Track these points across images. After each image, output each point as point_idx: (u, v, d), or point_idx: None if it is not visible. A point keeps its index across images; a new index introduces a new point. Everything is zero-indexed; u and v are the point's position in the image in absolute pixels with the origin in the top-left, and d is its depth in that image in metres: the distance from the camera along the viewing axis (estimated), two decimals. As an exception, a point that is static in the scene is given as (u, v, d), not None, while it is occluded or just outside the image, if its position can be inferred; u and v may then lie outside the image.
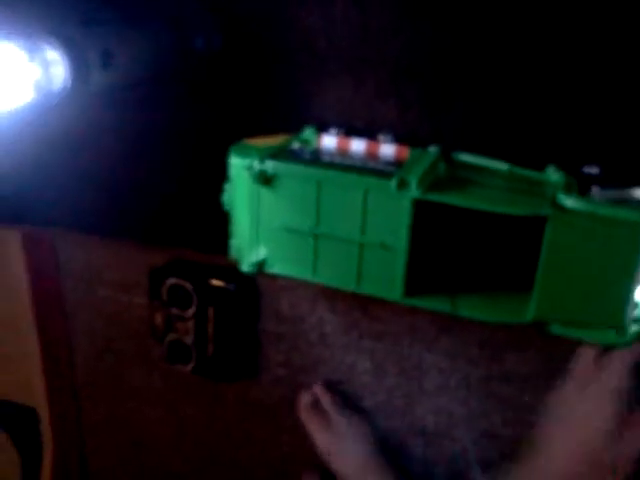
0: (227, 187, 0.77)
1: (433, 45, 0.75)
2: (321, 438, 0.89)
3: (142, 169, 0.91)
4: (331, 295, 0.87)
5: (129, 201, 0.94)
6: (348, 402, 0.91)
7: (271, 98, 0.83)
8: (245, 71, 0.83)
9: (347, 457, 0.87)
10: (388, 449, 0.89)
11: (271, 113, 0.84)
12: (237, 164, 0.74)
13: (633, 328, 0.68)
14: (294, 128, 0.81)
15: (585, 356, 0.75)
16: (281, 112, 0.84)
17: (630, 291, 0.66)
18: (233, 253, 0.78)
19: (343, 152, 0.76)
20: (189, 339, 0.93)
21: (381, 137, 0.77)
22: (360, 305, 0.87)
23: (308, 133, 0.79)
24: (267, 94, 0.83)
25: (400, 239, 0.69)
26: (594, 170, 0.70)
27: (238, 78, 0.84)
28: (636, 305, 0.68)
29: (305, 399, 0.91)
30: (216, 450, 1.02)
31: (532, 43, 0.71)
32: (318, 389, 0.91)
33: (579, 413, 0.72)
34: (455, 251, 0.76)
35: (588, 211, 0.64)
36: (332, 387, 0.91)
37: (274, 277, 0.77)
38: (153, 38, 0.78)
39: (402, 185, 0.67)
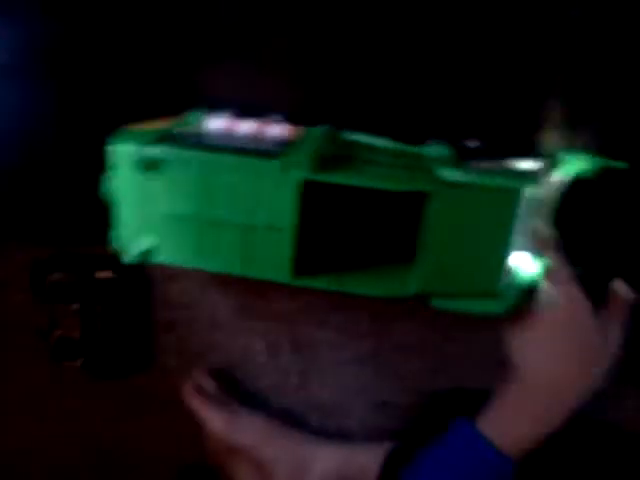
0: (108, 176, 0.75)
1: (319, 25, 0.76)
2: (213, 419, 0.88)
3: (15, 160, 0.87)
4: (223, 279, 0.86)
5: (6, 196, 0.89)
6: (241, 385, 0.92)
7: (158, 81, 0.82)
8: (130, 55, 0.81)
9: (247, 428, 0.88)
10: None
11: (157, 97, 0.82)
12: (119, 151, 0.72)
13: (512, 294, 0.73)
14: (181, 111, 0.80)
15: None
16: (168, 95, 0.82)
17: (504, 258, 0.70)
18: (116, 244, 0.77)
19: (231, 134, 0.76)
20: (76, 334, 0.90)
21: (271, 117, 0.77)
22: (252, 287, 0.87)
23: (194, 116, 0.79)
24: (154, 77, 0.82)
25: (287, 220, 0.70)
26: (474, 144, 0.74)
27: (123, 63, 0.82)
28: (511, 271, 0.72)
29: (188, 387, 0.90)
30: (110, 443, 1.00)
31: (412, 21, 0.73)
32: (200, 374, 0.91)
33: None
34: (342, 229, 0.78)
35: (466, 182, 0.68)
36: (226, 371, 0.91)
37: (163, 264, 0.76)
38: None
39: (287, 166, 0.68)
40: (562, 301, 0.66)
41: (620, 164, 0.70)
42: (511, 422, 0.68)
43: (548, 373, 0.67)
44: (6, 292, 0.96)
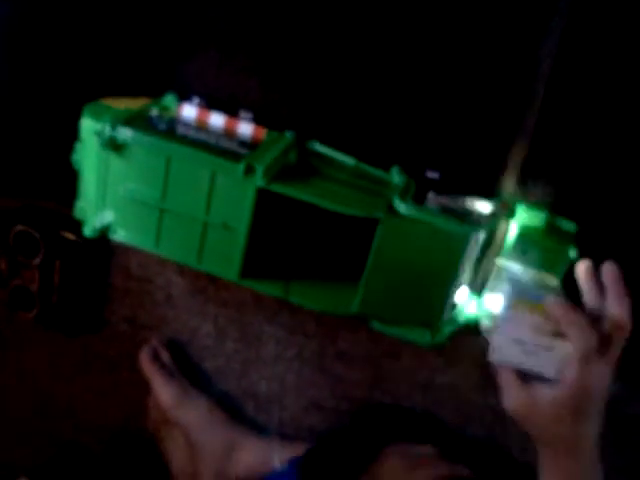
0: (77, 147, 0.76)
1: (302, 33, 0.76)
2: (164, 390, 0.90)
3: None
4: (179, 260, 0.88)
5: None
6: (189, 363, 0.94)
7: (138, 59, 0.82)
8: (113, 26, 0.81)
9: (192, 408, 0.90)
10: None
11: (135, 74, 0.82)
12: (88, 126, 0.73)
13: (447, 328, 0.74)
14: (157, 92, 0.80)
15: None
16: (146, 74, 0.82)
17: (448, 297, 0.71)
18: (78, 214, 0.78)
19: (201, 124, 0.76)
20: (34, 287, 0.92)
21: (241, 114, 0.77)
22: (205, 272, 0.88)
23: (169, 100, 0.79)
24: (135, 54, 0.82)
25: (242, 222, 0.71)
26: (435, 175, 0.74)
27: (106, 32, 0.82)
28: (453, 307, 0.73)
29: (146, 352, 0.93)
30: (55, 397, 1.03)
31: (392, 51, 0.73)
32: (157, 343, 0.93)
33: None
34: (295, 239, 0.79)
35: (418, 218, 0.68)
36: (174, 346, 0.94)
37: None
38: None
39: (249, 171, 0.69)
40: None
41: (568, 224, 0.71)
42: None
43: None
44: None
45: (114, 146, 0.71)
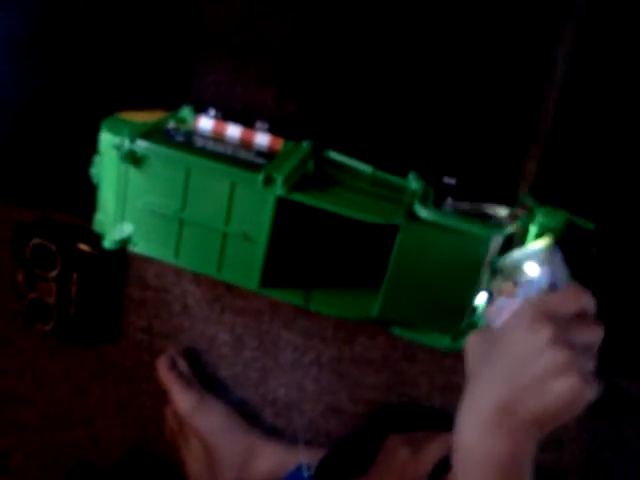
0: (96, 160, 0.76)
1: (316, 42, 0.76)
2: (182, 398, 0.91)
3: (16, 128, 0.89)
4: (196, 270, 0.89)
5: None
6: (206, 371, 0.94)
7: (153, 71, 0.83)
8: (128, 40, 0.82)
9: (210, 416, 0.91)
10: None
11: (151, 87, 0.83)
12: (107, 140, 0.73)
13: (467, 332, 0.75)
14: (173, 104, 0.81)
15: None
16: (161, 87, 0.83)
17: (468, 301, 0.72)
18: (97, 227, 0.78)
19: (218, 136, 0.77)
20: (51, 299, 0.93)
21: (258, 125, 0.78)
22: (224, 281, 0.89)
23: (185, 112, 0.80)
24: (149, 67, 0.82)
25: (262, 232, 0.72)
26: (452, 181, 0.75)
27: (122, 46, 0.82)
28: (473, 311, 0.74)
29: (163, 360, 0.93)
30: (73, 408, 1.04)
31: (406, 58, 0.74)
32: (175, 352, 0.94)
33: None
34: (314, 247, 0.80)
35: (439, 222, 0.69)
36: (191, 356, 0.94)
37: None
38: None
39: (268, 182, 0.69)
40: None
41: (587, 223, 0.72)
42: None
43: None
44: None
45: (133, 159, 0.72)
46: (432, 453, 0.75)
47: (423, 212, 0.69)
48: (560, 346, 0.52)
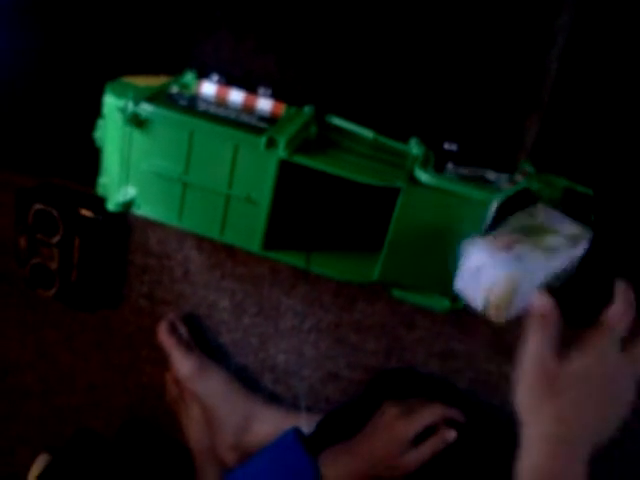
0: (100, 124, 0.77)
1: (317, 7, 0.77)
2: (182, 363, 0.92)
3: (18, 93, 0.89)
4: (198, 236, 0.89)
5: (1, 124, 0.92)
6: (206, 337, 0.95)
7: (156, 37, 0.83)
8: (132, 6, 0.82)
9: (210, 381, 0.92)
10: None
11: (154, 52, 0.83)
12: (111, 103, 0.74)
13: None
14: (176, 69, 0.81)
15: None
16: (164, 52, 0.83)
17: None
18: (101, 190, 0.79)
19: (221, 101, 0.78)
20: (53, 265, 0.93)
21: (260, 90, 0.78)
22: (225, 247, 0.90)
23: (188, 77, 0.80)
24: (152, 32, 0.83)
25: (264, 195, 0.72)
26: (453, 147, 0.76)
27: (126, 11, 0.83)
28: None
29: (164, 325, 0.94)
30: (74, 374, 1.05)
31: (408, 24, 0.75)
32: (175, 318, 0.94)
33: None
34: (316, 209, 0.81)
35: (439, 186, 0.70)
36: (191, 321, 0.95)
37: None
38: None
39: (271, 144, 0.70)
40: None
41: (586, 189, 0.73)
42: None
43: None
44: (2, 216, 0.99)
45: (137, 122, 0.73)
46: (423, 417, 0.77)
47: (424, 176, 0.70)
48: None
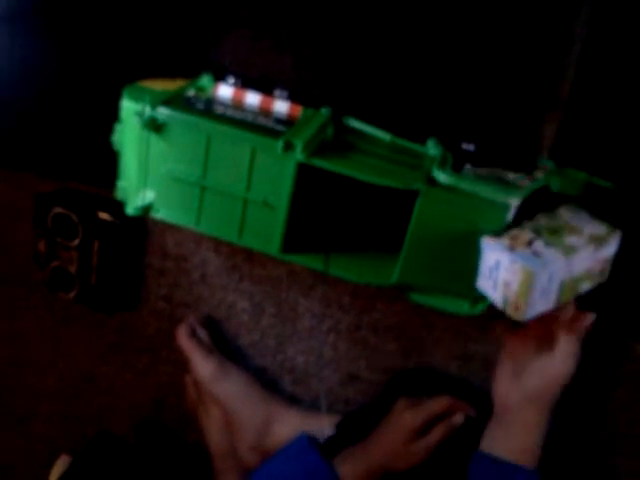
0: (118, 128, 0.77)
1: (334, 8, 0.76)
2: (202, 365, 0.92)
3: (36, 99, 0.89)
4: (216, 239, 0.89)
5: (20, 129, 0.92)
6: (225, 339, 0.96)
7: (172, 39, 0.83)
8: (149, 9, 0.82)
9: (230, 382, 0.92)
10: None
11: (170, 55, 0.84)
12: (128, 107, 0.74)
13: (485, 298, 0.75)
14: (192, 73, 0.81)
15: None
16: (181, 56, 0.83)
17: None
18: (119, 194, 0.79)
19: (237, 103, 0.77)
20: (73, 268, 0.94)
21: (277, 92, 0.78)
22: (243, 249, 0.90)
23: (205, 80, 0.80)
24: (168, 36, 0.83)
25: (282, 198, 0.72)
26: (471, 147, 0.75)
27: (142, 15, 0.83)
28: None
29: (183, 328, 0.94)
30: (94, 376, 1.05)
31: (426, 25, 0.74)
32: (194, 320, 0.95)
33: None
34: (334, 212, 0.81)
35: (458, 187, 0.69)
36: (210, 323, 0.95)
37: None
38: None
39: (288, 147, 0.70)
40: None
41: (606, 183, 0.72)
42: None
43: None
44: (16, 219, 1.00)
45: (154, 126, 0.73)
46: (430, 406, 0.77)
47: (442, 176, 0.69)
48: None
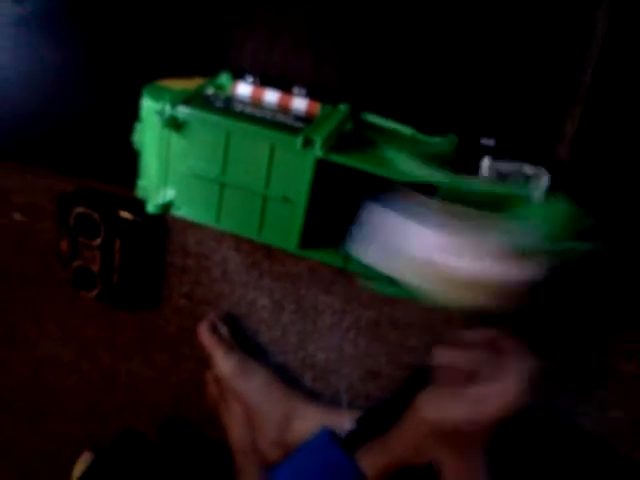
0: (138, 127, 0.78)
1: (352, 4, 0.77)
2: (224, 362, 0.92)
3: (58, 98, 0.90)
4: (236, 236, 0.90)
5: (42, 128, 0.93)
6: (245, 336, 0.96)
7: (190, 39, 0.84)
8: (167, 8, 0.83)
9: (252, 379, 0.93)
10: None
11: (189, 54, 0.84)
12: (149, 107, 0.75)
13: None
14: (210, 71, 0.82)
15: None
16: (199, 54, 0.84)
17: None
18: (140, 192, 0.80)
19: (256, 101, 0.78)
20: (95, 267, 0.95)
21: (295, 90, 0.79)
22: (263, 246, 0.90)
23: (224, 79, 0.81)
24: (187, 35, 0.84)
25: (301, 194, 0.73)
26: (490, 142, 0.75)
27: (161, 14, 0.84)
28: None
29: (205, 325, 0.95)
30: (115, 371, 1.06)
31: (445, 18, 0.74)
32: (216, 317, 0.95)
33: None
34: (353, 209, 0.81)
35: (475, 184, 0.69)
36: (231, 321, 0.96)
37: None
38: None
39: (307, 143, 0.70)
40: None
41: (587, 220, 0.69)
42: None
43: None
44: (38, 219, 1.01)
45: (175, 125, 0.73)
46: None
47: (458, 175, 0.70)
48: None
